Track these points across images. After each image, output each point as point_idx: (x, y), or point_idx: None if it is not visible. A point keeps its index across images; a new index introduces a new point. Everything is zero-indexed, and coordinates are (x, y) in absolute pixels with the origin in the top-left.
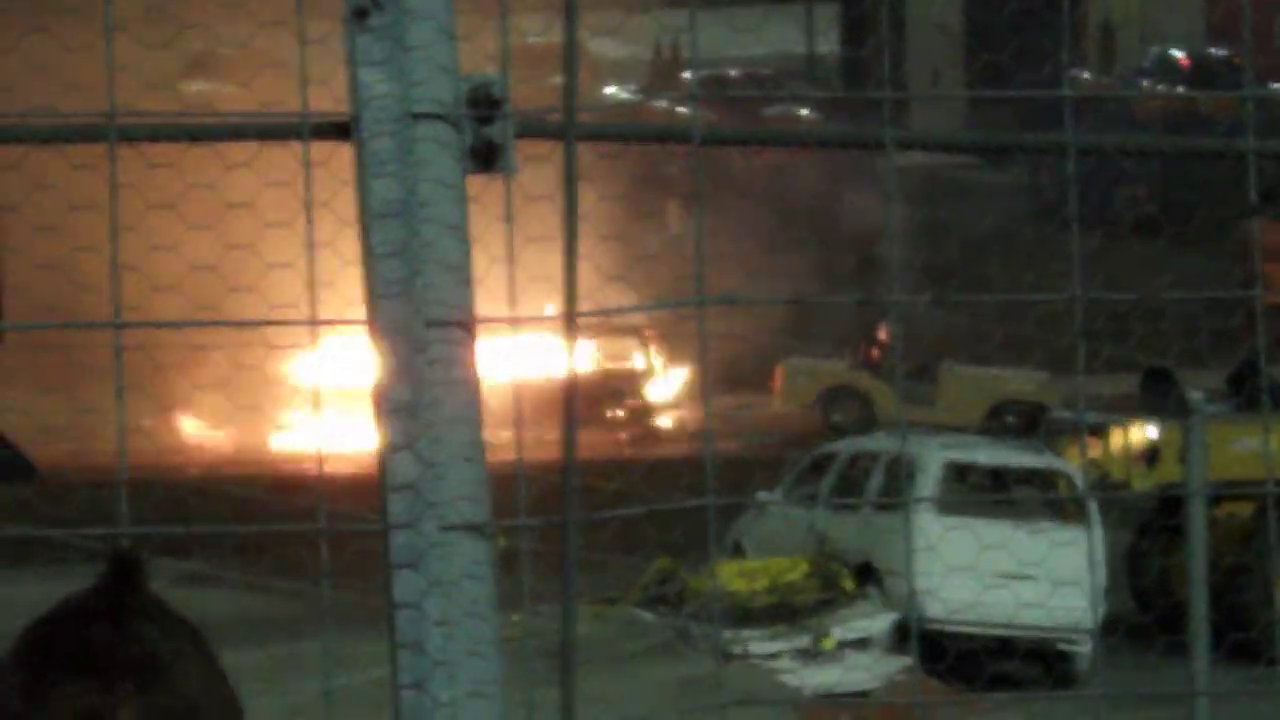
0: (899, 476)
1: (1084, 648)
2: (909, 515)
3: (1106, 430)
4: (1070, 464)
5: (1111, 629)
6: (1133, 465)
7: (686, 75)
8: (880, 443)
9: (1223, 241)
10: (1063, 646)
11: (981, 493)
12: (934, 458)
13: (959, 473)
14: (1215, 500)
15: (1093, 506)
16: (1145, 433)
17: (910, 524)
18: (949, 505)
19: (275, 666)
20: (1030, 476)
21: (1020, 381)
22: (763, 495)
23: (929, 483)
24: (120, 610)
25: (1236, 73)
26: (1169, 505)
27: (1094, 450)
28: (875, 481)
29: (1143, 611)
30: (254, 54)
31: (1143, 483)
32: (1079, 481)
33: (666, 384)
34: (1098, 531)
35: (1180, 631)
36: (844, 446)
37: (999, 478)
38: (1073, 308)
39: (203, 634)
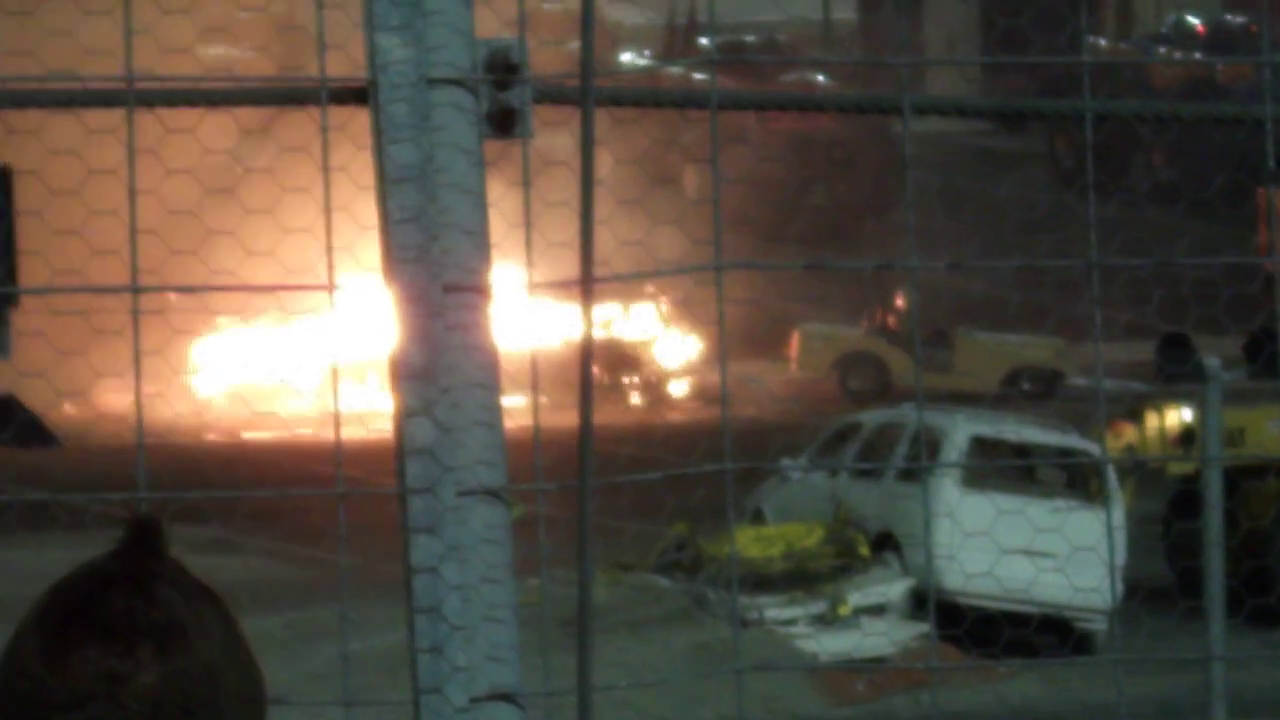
0: (923, 448)
1: (1100, 625)
2: (925, 482)
3: (1141, 414)
4: (1095, 443)
5: (1132, 593)
6: (1169, 448)
7: (703, 41)
8: (906, 414)
9: (1240, 208)
10: (1079, 624)
11: (1006, 469)
12: (960, 431)
13: (984, 447)
14: (1247, 473)
15: (1113, 486)
16: (1180, 415)
17: (929, 492)
18: (971, 478)
19: (293, 632)
20: (1055, 454)
21: (1036, 348)
22: (785, 462)
23: (954, 455)
24: (140, 575)
25: (1253, 40)
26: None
27: (1129, 434)
28: (899, 452)
29: (1192, 589)
30: (271, 19)
31: (1179, 466)
32: (1103, 460)
33: (683, 349)
34: (1118, 511)
35: (1200, 595)
36: (869, 417)
37: (1023, 454)
38: (1089, 274)
39: (222, 599)
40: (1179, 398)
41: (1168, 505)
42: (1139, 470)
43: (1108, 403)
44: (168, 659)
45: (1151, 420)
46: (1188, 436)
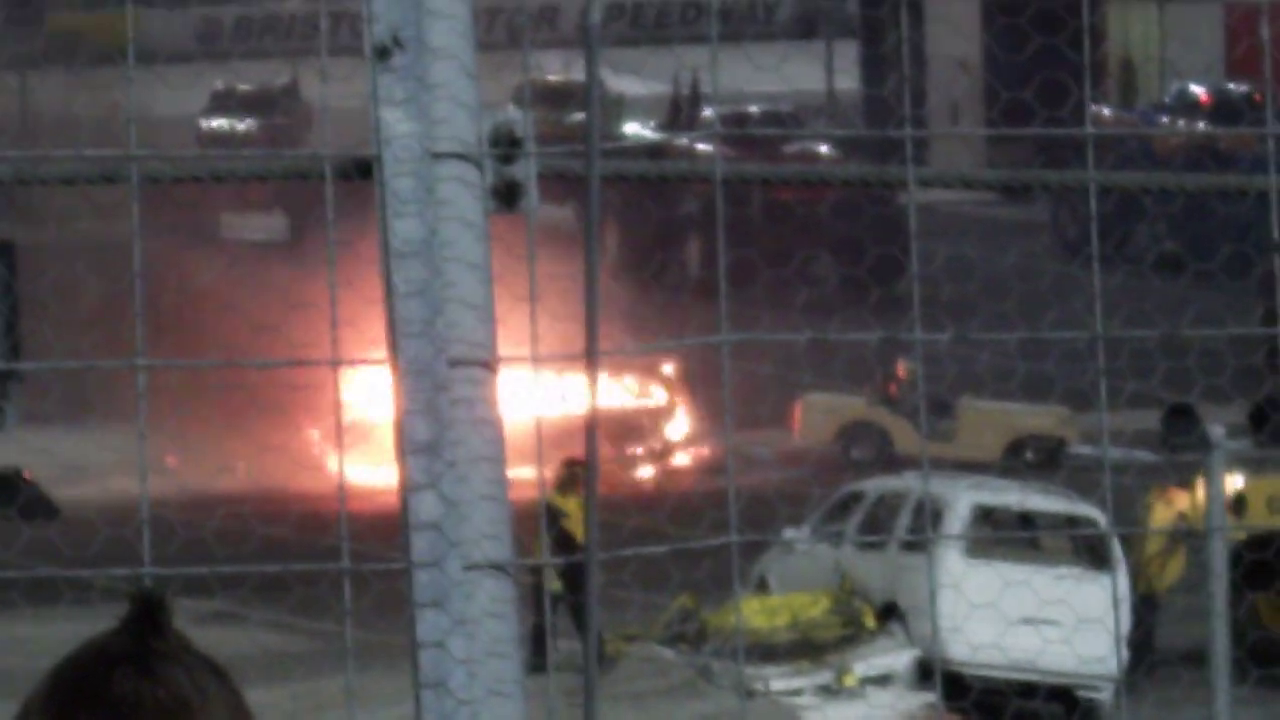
0: (926, 519)
1: (1106, 694)
2: (930, 553)
3: (1193, 481)
4: (1097, 509)
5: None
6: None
7: (707, 113)
8: (908, 482)
9: (1245, 279)
10: (1084, 693)
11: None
12: (962, 499)
13: (986, 515)
14: None
15: (1117, 551)
16: (1232, 482)
17: (934, 563)
18: (975, 547)
19: (299, 704)
20: (1057, 521)
21: (1040, 417)
22: (789, 532)
23: (956, 524)
24: (145, 652)
25: (1257, 108)
26: (1254, 548)
27: (1180, 501)
28: (902, 521)
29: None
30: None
31: (1234, 533)
32: (1105, 526)
33: (686, 421)
34: (1123, 576)
35: (1271, 664)
36: (872, 486)
37: (1027, 522)
38: (1095, 345)
39: (228, 674)
40: (1188, 468)
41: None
42: (1188, 538)
43: (1113, 473)
44: None
45: (1201, 487)
46: (1239, 503)
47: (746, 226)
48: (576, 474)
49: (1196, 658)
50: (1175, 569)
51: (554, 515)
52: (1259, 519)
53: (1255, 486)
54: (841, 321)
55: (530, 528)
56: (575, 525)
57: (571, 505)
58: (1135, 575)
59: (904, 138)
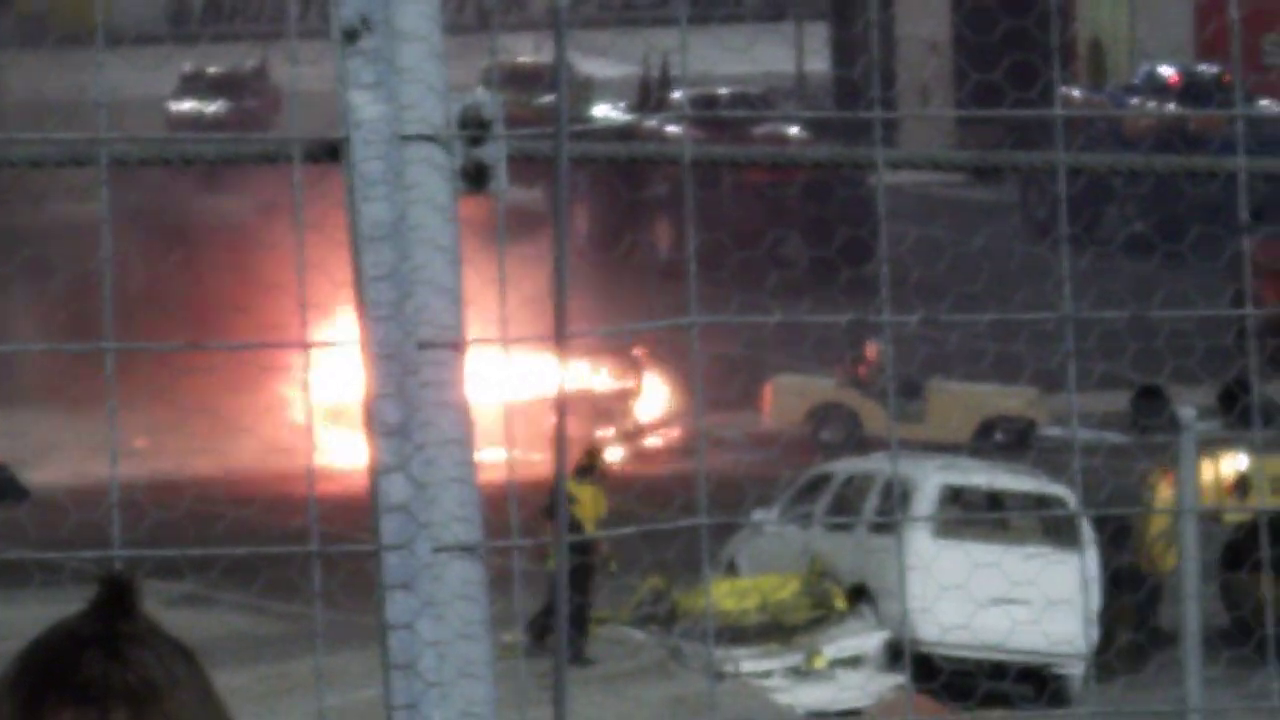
0: (895, 499)
1: (1076, 670)
2: (900, 535)
3: (1197, 462)
4: (1066, 488)
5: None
6: (1224, 496)
7: (676, 95)
8: (877, 464)
9: (1214, 260)
10: (1055, 670)
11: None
12: (930, 480)
13: (955, 495)
14: None
15: (1086, 530)
16: (1235, 463)
17: (903, 544)
18: (944, 527)
19: (268, 686)
20: (1026, 500)
21: (1009, 398)
22: (758, 514)
23: (925, 505)
24: (113, 636)
25: (1226, 90)
26: (1256, 534)
27: None
28: (871, 503)
29: (1244, 637)
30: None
31: (1235, 515)
32: (1074, 505)
33: (656, 403)
34: (1092, 555)
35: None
36: (840, 467)
37: (995, 501)
38: (1064, 326)
39: (196, 657)
40: (1156, 450)
41: (1221, 553)
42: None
43: (1083, 454)
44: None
45: (1207, 468)
46: (1243, 484)
47: (716, 208)
48: (596, 463)
49: (1236, 638)
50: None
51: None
52: (1269, 501)
53: (1258, 468)
54: (811, 303)
55: (531, 511)
56: (584, 512)
57: (585, 493)
58: (1138, 556)
59: (873, 119)
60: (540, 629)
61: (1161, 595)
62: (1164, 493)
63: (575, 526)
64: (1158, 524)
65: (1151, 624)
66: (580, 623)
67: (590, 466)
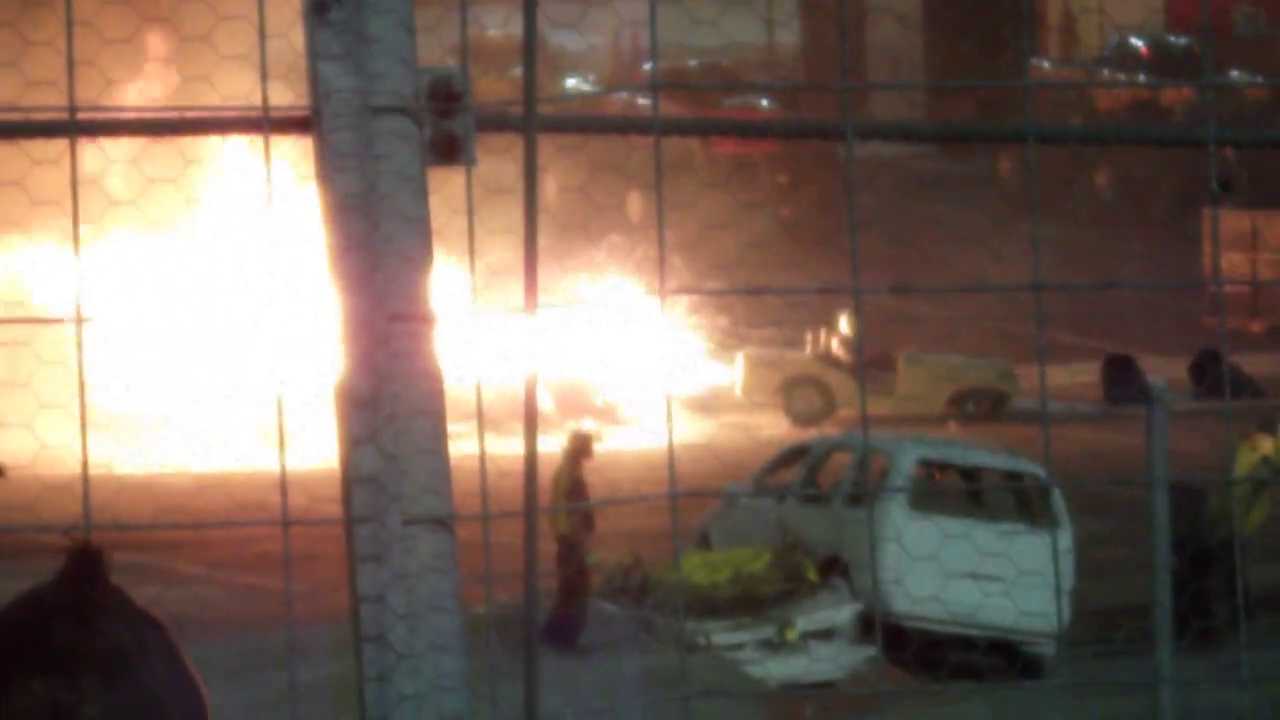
0: (868, 472)
1: (1047, 649)
2: (872, 506)
3: (1275, 425)
4: (1038, 465)
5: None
6: None
7: (646, 67)
8: (851, 438)
9: (1183, 230)
10: (1027, 648)
11: (953, 492)
12: (907, 454)
13: (931, 470)
14: None
15: (1060, 507)
16: None
17: (876, 516)
18: (918, 502)
19: (238, 661)
20: (1002, 476)
21: (981, 370)
22: (731, 487)
23: (900, 479)
24: (82, 605)
25: (1196, 61)
26: None
27: (1265, 446)
28: (847, 477)
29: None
30: (212, 48)
31: None
32: (1048, 484)
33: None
34: (1065, 534)
35: None
36: (816, 442)
37: (970, 477)
38: (1035, 296)
39: (166, 626)
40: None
41: None
42: (1267, 485)
43: (1052, 425)
44: (112, 690)
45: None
46: None
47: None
48: (588, 445)
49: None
50: (1260, 514)
51: (579, 486)
52: None
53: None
54: (782, 275)
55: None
56: (564, 484)
57: (564, 473)
58: (1215, 521)
59: (843, 90)
60: (552, 629)
61: (1244, 558)
62: (1245, 457)
63: (588, 519)
64: (1237, 489)
65: (1235, 587)
66: (579, 618)
67: (585, 450)
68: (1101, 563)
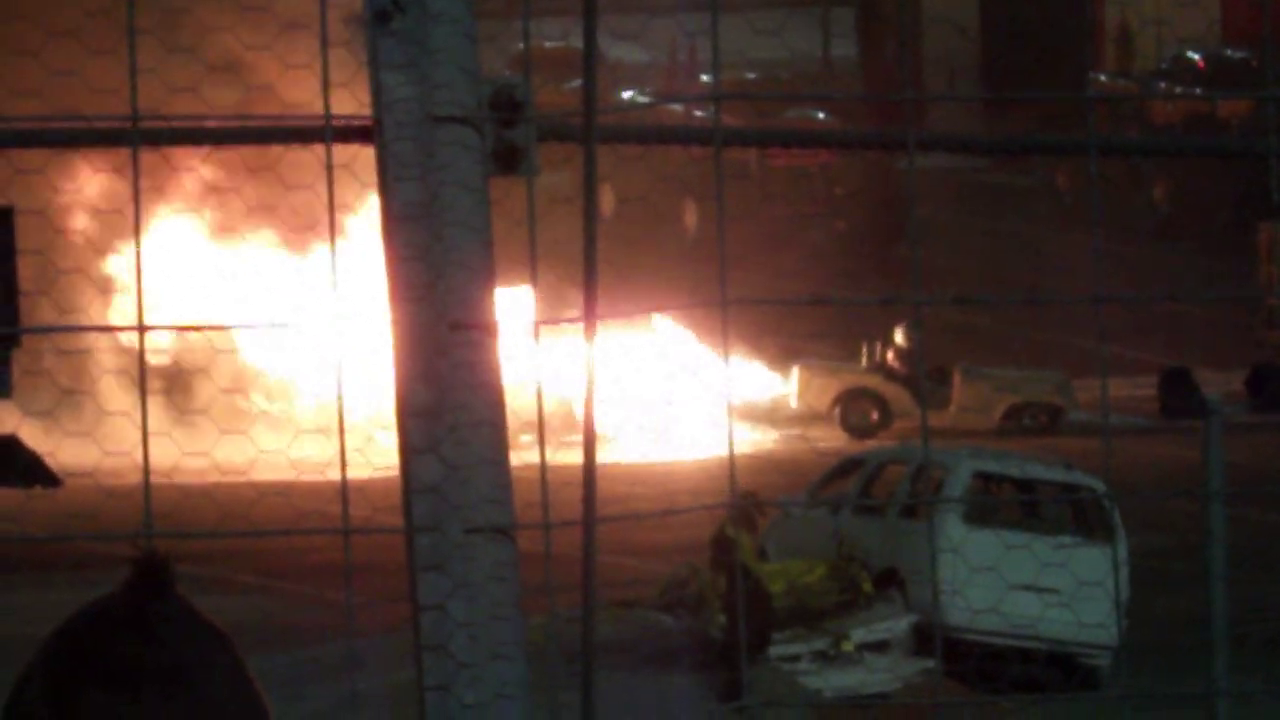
0: (926, 484)
1: (1104, 660)
2: (930, 517)
3: None
4: (1096, 479)
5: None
6: None
7: (705, 79)
8: (907, 450)
9: (1240, 243)
10: (1083, 660)
11: (1009, 505)
12: (963, 466)
13: (987, 483)
14: None
15: (1116, 520)
16: None
17: (935, 528)
18: (974, 515)
19: (296, 671)
20: (1058, 490)
21: (1037, 383)
22: (786, 499)
23: (957, 492)
24: (146, 617)
25: (1254, 74)
26: None
27: None
28: (902, 488)
29: None
30: (277, 57)
31: None
32: (1106, 497)
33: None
34: (1122, 546)
35: None
36: (871, 454)
37: (1027, 489)
38: (1093, 309)
39: (230, 639)
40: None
41: None
42: None
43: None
44: (173, 701)
45: None
46: None
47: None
48: (750, 512)
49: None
50: None
51: (728, 544)
52: None
53: None
54: (839, 287)
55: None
56: (750, 557)
57: (745, 539)
58: None
59: (904, 100)
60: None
61: None
62: None
63: (745, 571)
64: None
65: None
66: (752, 650)
67: (745, 515)
68: (1158, 574)
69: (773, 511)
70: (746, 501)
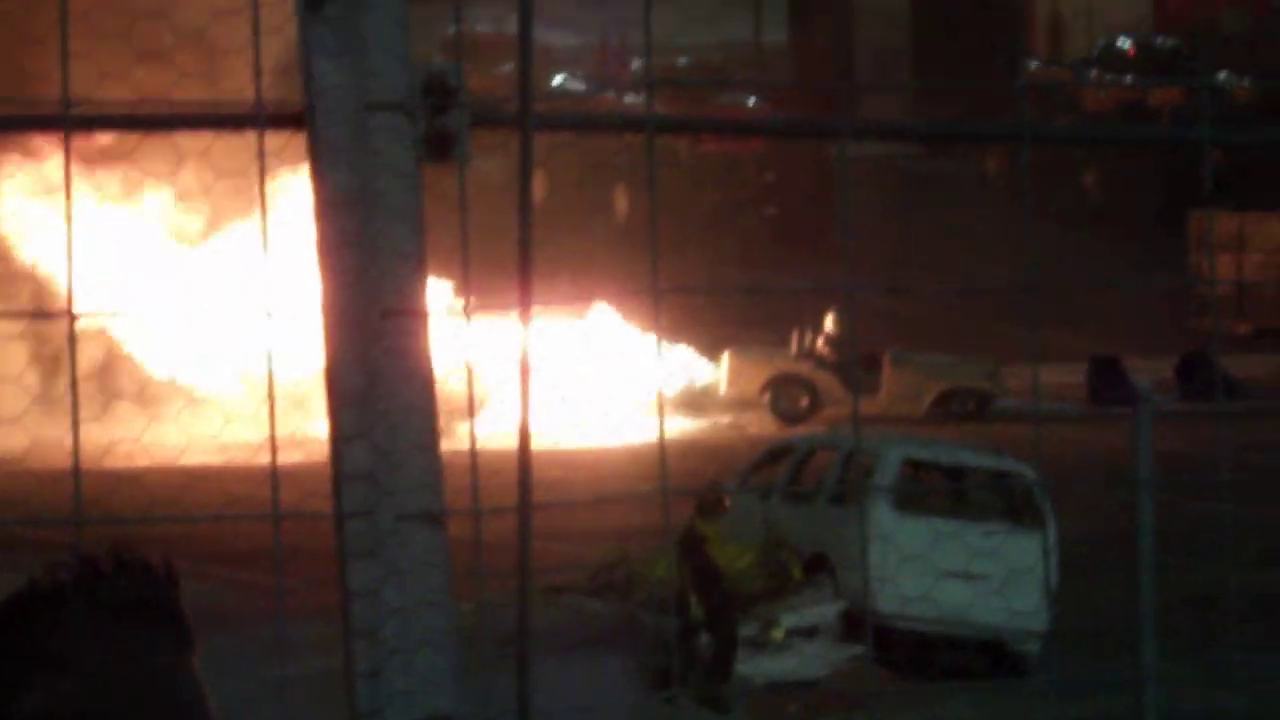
0: (856, 471)
1: (1034, 647)
2: (861, 504)
3: None
4: (1025, 466)
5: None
6: None
7: (635, 65)
8: (837, 437)
9: (1170, 231)
10: (1014, 647)
11: (938, 492)
12: (893, 453)
13: (917, 470)
14: None
15: (1046, 506)
16: None
17: (865, 515)
18: (904, 502)
19: (223, 657)
20: (988, 477)
21: (966, 370)
22: (716, 485)
23: (886, 479)
24: (61, 603)
25: (1185, 62)
26: None
27: None
28: (831, 475)
29: None
30: (206, 44)
31: None
32: (1035, 484)
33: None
34: (1052, 533)
35: None
36: (800, 440)
37: (957, 477)
38: (1025, 296)
39: (182, 637)
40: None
41: None
42: None
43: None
44: (62, 683)
45: None
46: None
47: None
48: (720, 499)
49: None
50: None
51: (696, 540)
52: None
53: None
54: (769, 273)
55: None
56: (718, 551)
57: (712, 531)
58: None
59: (839, 90)
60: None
61: None
62: None
63: (711, 568)
64: None
65: None
66: (724, 665)
67: (716, 503)
68: (1088, 560)
69: (736, 499)
70: (712, 491)
